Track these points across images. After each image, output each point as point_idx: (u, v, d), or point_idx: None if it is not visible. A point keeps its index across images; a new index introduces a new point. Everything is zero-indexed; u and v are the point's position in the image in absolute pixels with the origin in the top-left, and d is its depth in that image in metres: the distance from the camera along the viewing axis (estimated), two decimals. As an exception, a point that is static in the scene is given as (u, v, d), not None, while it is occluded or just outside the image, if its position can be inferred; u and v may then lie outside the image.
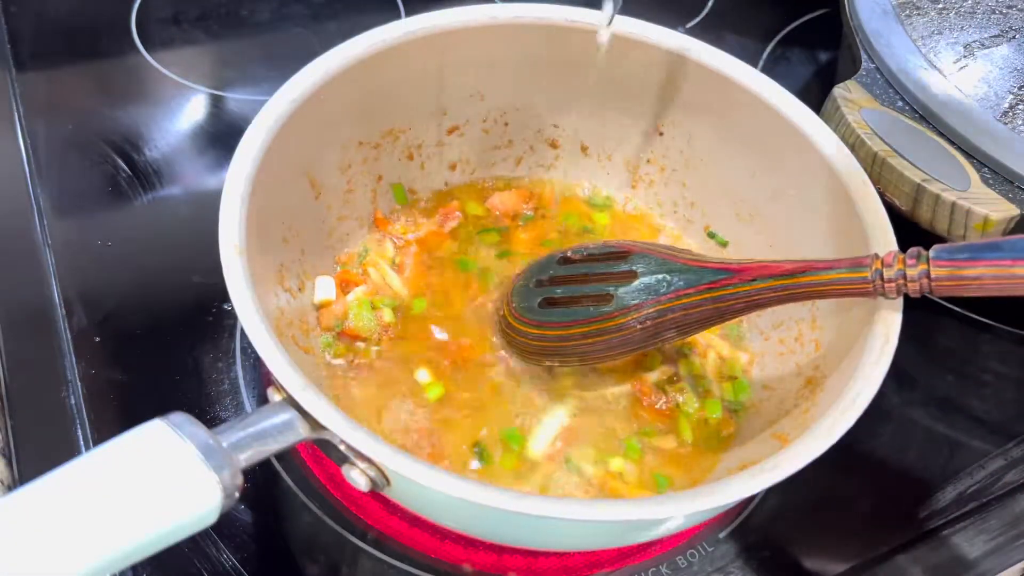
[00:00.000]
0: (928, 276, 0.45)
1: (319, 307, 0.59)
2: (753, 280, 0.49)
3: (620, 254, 0.55)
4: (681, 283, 0.51)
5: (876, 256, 0.47)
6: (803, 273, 0.48)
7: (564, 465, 0.55)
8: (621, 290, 0.53)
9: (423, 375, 0.57)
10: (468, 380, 0.57)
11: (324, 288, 0.59)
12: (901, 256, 0.46)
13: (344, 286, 0.60)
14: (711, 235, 0.66)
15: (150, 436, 0.39)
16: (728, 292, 0.50)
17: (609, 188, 0.69)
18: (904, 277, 0.46)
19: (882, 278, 0.46)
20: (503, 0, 0.63)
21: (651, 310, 0.52)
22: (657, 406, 0.57)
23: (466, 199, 0.67)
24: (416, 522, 0.54)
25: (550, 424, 0.56)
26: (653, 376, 0.59)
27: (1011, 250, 0.44)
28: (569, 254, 0.58)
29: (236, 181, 0.50)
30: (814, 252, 0.57)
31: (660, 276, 0.52)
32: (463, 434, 0.55)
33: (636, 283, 0.53)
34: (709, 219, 0.66)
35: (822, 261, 0.49)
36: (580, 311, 0.54)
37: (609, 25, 0.58)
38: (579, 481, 0.54)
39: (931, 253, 0.45)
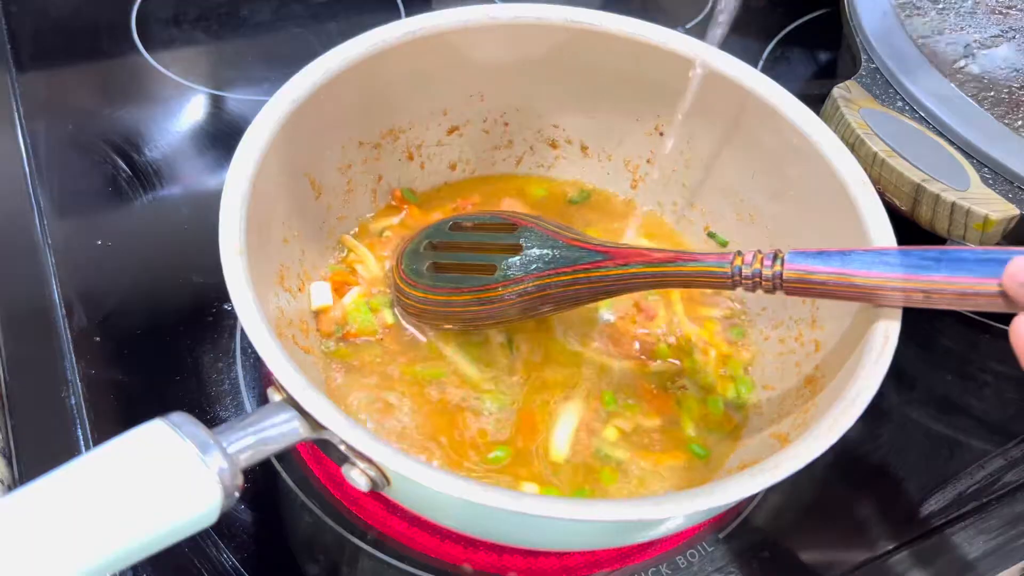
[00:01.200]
0: (781, 277, 0.48)
1: (317, 313, 0.58)
2: (627, 265, 0.52)
3: (508, 226, 0.57)
4: (561, 261, 0.54)
5: (739, 254, 0.50)
6: (672, 263, 0.51)
7: (595, 453, 0.55)
8: (505, 262, 0.55)
9: (530, 487, 0.53)
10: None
11: (320, 294, 0.59)
12: (761, 255, 0.49)
13: (339, 288, 0.60)
14: (711, 235, 0.66)
15: (150, 436, 0.39)
16: (603, 274, 0.53)
17: (610, 188, 0.69)
18: (760, 275, 0.48)
19: (740, 274, 0.49)
20: (503, 0, 0.63)
21: (531, 284, 0.54)
22: (655, 392, 0.58)
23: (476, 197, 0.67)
24: (416, 522, 0.54)
25: (565, 424, 0.56)
26: (655, 365, 0.59)
27: (854, 261, 0.47)
28: (461, 221, 0.59)
29: (236, 181, 0.50)
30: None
31: (543, 251, 0.54)
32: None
33: (520, 256, 0.55)
34: (709, 219, 0.66)
35: (690, 253, 0.52)
36: (465, 279, 0.56)
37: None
38: (616, 464, 0.54)
39: (786, 256, 0.48)
